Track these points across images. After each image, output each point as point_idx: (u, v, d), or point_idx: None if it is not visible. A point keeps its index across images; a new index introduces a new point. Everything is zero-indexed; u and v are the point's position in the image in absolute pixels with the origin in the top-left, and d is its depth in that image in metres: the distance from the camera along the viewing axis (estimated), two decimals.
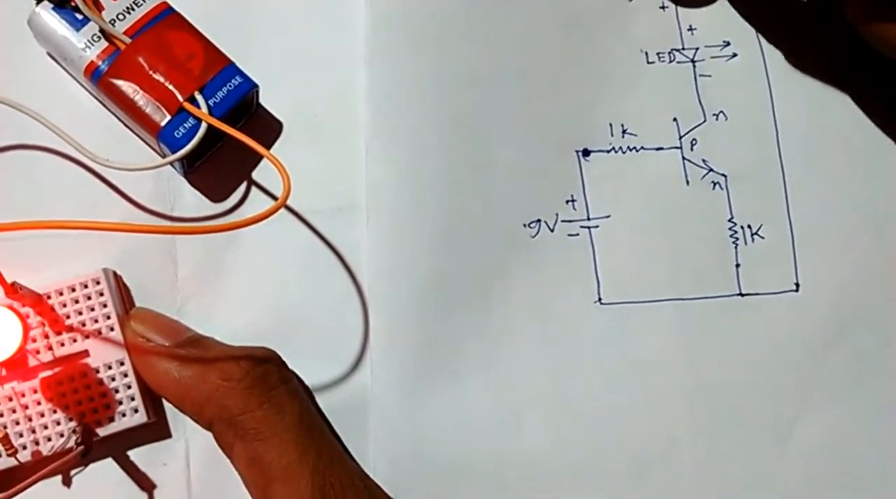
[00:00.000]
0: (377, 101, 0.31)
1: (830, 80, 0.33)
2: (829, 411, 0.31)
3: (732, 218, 0.32)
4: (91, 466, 0.28)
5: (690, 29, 0.33)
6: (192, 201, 0.30)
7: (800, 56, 0.32)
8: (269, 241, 0.30)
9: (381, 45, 0.31)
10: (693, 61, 0.33)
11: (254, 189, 0.31)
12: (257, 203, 0.30)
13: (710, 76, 0.32)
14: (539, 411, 0.30)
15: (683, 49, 0.33)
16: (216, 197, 0.30)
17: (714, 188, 0.32)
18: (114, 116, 0.30)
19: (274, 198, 0.30)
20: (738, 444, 0.30)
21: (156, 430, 0.28)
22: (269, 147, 0.31)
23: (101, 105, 0.30)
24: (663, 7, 0.33)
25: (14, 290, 0.25)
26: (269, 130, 0.31)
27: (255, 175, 0.31)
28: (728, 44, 0.33)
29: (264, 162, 0.30)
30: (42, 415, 0.27)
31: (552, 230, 0.31)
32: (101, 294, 0.27)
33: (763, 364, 0.31)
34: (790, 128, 0.32)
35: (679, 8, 0.33)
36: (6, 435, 0.26)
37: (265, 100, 0.31)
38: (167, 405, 0.29)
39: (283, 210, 0.30)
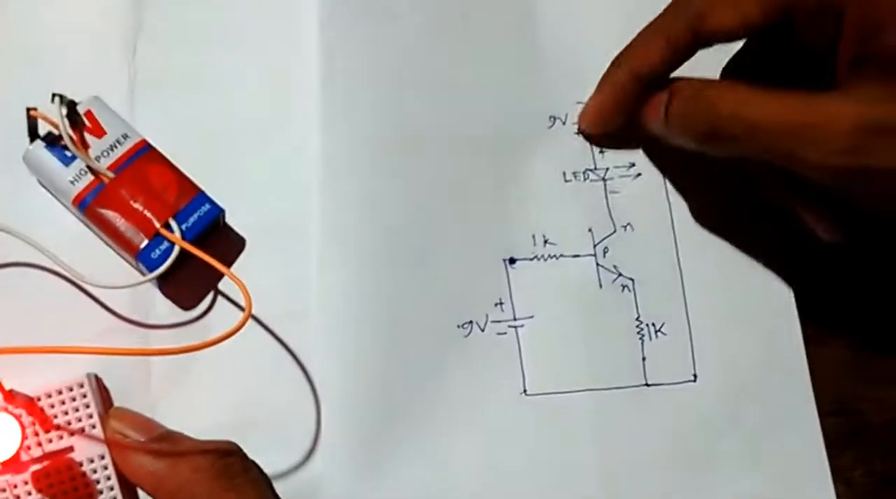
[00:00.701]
0: (328, 220, 0.35)
1: (723, 202, 0.38)
2: (726, 488, 0.35)
3: (639, 317, 0.36)
4: None
5: (601, 152, 0.38)
6: (164, 311, 0.34)
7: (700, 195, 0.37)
8: (231, 345, 0.33)
9: (332, 171, 0.36)
10: (604, 179, 0.37)
11: (220, 298, 0.35)
12: (224, 310, 0.35)
13: (618, 193, 0.37)
14: (473, 489, 0.34)
15: (595, 169, 0.38)
16: (186, 305, 0.34)
17: (623, 291, 0.36)
18: (97, 238, 0.34)
19: (238, 306, 0.35)
20: None
21: None
22: (232, 260, 0.35)
23: (85, 228, 0.34)
24: (578, 133, 0.38)
25: (11, 395, 0.29)
26: (233, 245, 0.35)
27: (221, 285, 0.35)
28: (633, 165, 0.38)
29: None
30: None
31: (483, 330, 0.35)
32: (85, 396, 0.31)
33: (667, 445, 0.35)
34: (687, 237, 0.37)
35: None
36: None
37: (230, 219, 0.35)
38: (142, 495, 0.32)
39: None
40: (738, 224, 0.37)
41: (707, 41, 0.32)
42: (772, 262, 0.37)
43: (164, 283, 0.34)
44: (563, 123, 0.37)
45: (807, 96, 0.29)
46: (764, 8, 0.30)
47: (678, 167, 0.37)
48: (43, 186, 0.34)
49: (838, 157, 0.28)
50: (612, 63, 0.34)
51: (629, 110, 0.34)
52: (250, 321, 0.34)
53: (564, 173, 0.37)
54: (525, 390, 0.35)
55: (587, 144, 0.38)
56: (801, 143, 0.28)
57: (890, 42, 0.27)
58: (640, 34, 0.33)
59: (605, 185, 0.37)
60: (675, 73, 0.33)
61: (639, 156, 0.38)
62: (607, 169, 0.37)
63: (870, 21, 0.28)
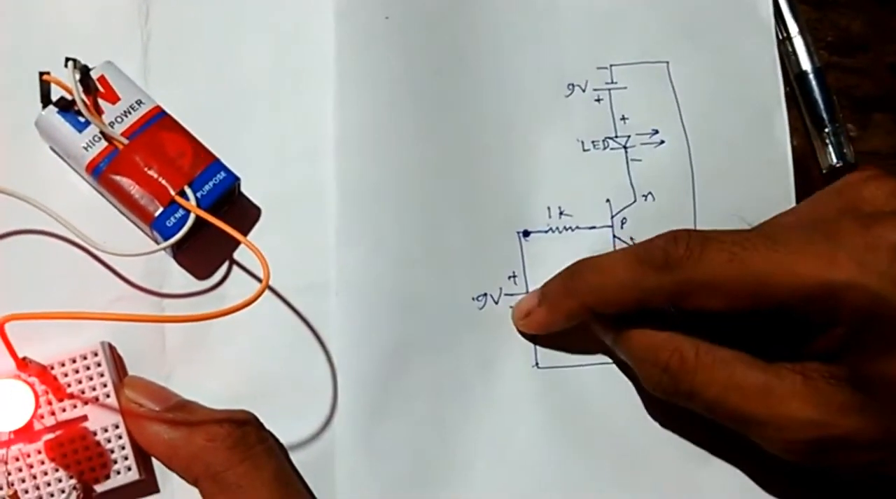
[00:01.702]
0: (344, 192, 0.35)
1: (744, 168, 0.37)
2: (730, 462, 0.34)
3: None
4: None
5: (623, 118, 0.37)
6: (179, 280, 0.34)
7: None
8: (247, 315, 0.33)
9: (348, 142, 0.35)
10: (625, 147, 0.37)
11: (235, 267, 0.34)
12: (239, 280, 0.34)
13: (640, 161, 0.37)
14: (485, 461, 0.34)
15: (616, 137, 0.37)
16: (201, 275, 0.34)
17: None
18: (110, 205, 0.34)
19: (253, 276, 0.34)
20: (661, 487, 0.34)
21: (146, 486, 0.32)
22: (248, 230, 0.35)
23: (98, 195, 0.34)
24: (598, 100, 0.37)
25: (25, 363, 0.29)
26: (248, 215, 0.35)
27: (237, 255, 0.34)
28: (657, 131, 0.37)
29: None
30: (46, 474, 0.30)
31: (497, 303, 0.35)
32: (99, 365, 0.31)
33: (675, 417, 0.35)
34: (708, 207, 0.37)
35: (612, 99, 0.38)
36: (16, 492, 0.29)
37: (245, 188, 0.35)
38: (156, 464, 0.32)
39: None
40: (765, 199, 0.37)
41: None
42: None
43: (179, 252, 0.34)
44: (583, 91, 0.37)
45: (767, 384, 0.28)
46: (755, 302, 0.28)
47: (703, 134, 0.37)
48: (55, 152, 0.34)
49: (789, 454, 0.29)
50: (571, 288, 0.32)
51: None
52: (266, 292, 0.34)
53: (583, 142, 0.37)
54: (537, 363, 0.35)
55: (607, 111, 0.37)
56: (753, 431, 0.29)
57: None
58: (611, 271, 0.31)
59: (625, 152, 0.37)
60: None
61: (662, 123, 0.37)
62: (629, 136, 0.37)
63: (872, 340, 0.26)
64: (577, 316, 0.33)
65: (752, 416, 0.29)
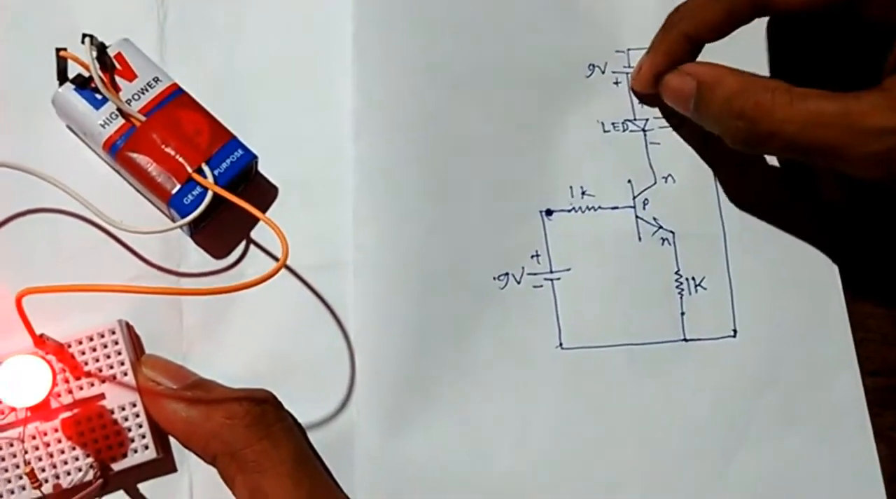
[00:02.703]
0: (363, 170, 0.34)
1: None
2: (764, 445, 0.34)
3: (679, 271, 0.35)
4: (105, 498, 0.31)
5: (641, 102, 0.37)
6: (196, 259, 0.34)
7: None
8: (265, 294, 0.33)
9: (367, 121, 0.35)
10: (644, 130, 0.37)
11: (252, 247, 0.34)
12: (256, 260, 0.34)
13: (659, 143, 0.36)
14: (506, 445, 0.33)
15: (635, 120, 0.37)
16: (219, 254, 0.34)
17: (663, 244, 0.36)
18: (126, 183, 0.34)
19: (270, 255, 0.34)
20: (683, 475, 0.33)
21: (163, 465, 0.32)
22: (265, 210, 0.34)
23: (114, 173, 0.34)
24: (617, 83, 0.37)
25: (42, 340, 0.29)
26: (265, 194, 0.35)
27: (254, 234, 0.34)
28: (674, 115, 0.37)
29: (262, 222, 0.34)
30: (62, 452, 0.30)
31: (519, 282, 0.35)
32: (116, 343, 0.31)
33: (704, 402, 0.34)
34: (731, 189, 0.36)
35: (629, 83, 0.37)
36: (32, 470, 0.29)
37: (262, 168, 0.34)
38: (173, 443, 0.32)
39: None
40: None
41: (767, 13, 0.32)
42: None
43: (196, 231, 0.34)
44: (603, 72, 0.36)
45: (846, 106, 0.29)
46: None
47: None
48: (71, 130, 0.34)
49: (873, 169, 0.30)
50: (666, 23, 0.34)
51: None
52: (283, 271, 0.34)
53: (603, 124, 0.36)
54: (561, 344, 0.34)
55: (627, 94, 0.37)
56: (835, 157, 0.30)
57: None
58: None
59: (644, 135, 0.36)
60: None
61: None
62: (647, 120, 0.36)
63: None
64: (676, 51, 0.33)
65: (834, 142, 0.29)
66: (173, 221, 0.32)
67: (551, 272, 0.35)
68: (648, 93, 0.35)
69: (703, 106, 0.32)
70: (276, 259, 0.33)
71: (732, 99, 0.31)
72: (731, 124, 0.31)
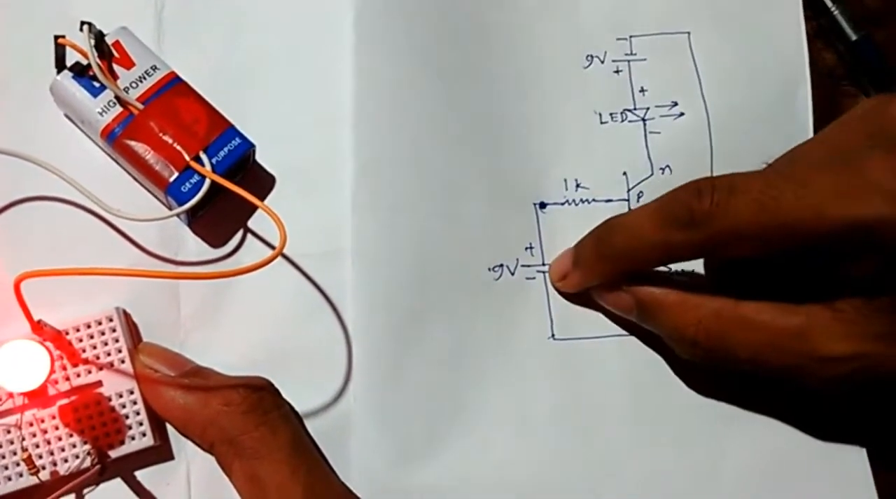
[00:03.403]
0: (361, 160, 0.34)
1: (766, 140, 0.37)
2: (758, 428, 0.34)
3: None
4: (102, 485, 0.31)
5: (642, 90, 0.37)
6: (194, 248, 0.34)
7: None
8: (263, 282, 0.33)
9: (365, 110, 0.35)
10: (644, 119, 0.37)
11: (249, 236, 0.34)
12: (253, 248, 0.34)
13: (658, 133, 0.36)
14: (500, 433, 0.33)
15: (635, 109, 0.37)
16: (216, 243, 0.34)
17: None
18: (123, 171, 0.34)
19: (268, 244, 0.34)
20: (679, 461, 0.33)
21: (160, 453, 0.32)
22: (262, 199, 0.34)
23: (111, 161, 0.34)
24: (617, 72, 0.37)
25: (39, 326, 0.29)
26: (263, 183, 0.35)
27: (251, 224, 0.34)
28: (676, 104, 0.37)
29: (259, 212, 0.34)
30: (60, 439, 0.30)
31: (513, 274, 0.35)
32: (114, 330, 0.31)
33: (697, 390, 0.34)
34: None
35: (632, 71, 0.37)
36: (30, 456, 0.29)
37: (260, 157, 0.34)
38: (170, 431, 0.32)
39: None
40: None
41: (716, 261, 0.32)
42: None
43: (194, 220, 0.34)
44: (602, 62, 0.36)
45: (799, 330, 0.28)
46: (785, 246, 0.27)
47: (724, 106, 0.36)
48: (69, 119, 0.34)
49: (835, 388, 0.30)
50: (603, 248, 0.32)
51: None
52: (281, 260, 0.34)
53: (600, 115, 0.36)
54: (553, 335, 0.34)
55: (626, 83, 0.37)
56: (795, 377, 0.29)
57: None
58: (639, 232, 0.30)
59: (644, 125, 0.36)
60: None
61: (682, 94, 0.37)
62: (647, 108, 0.36)
63: None
64: (610, 277, 0.32)
65: (790, 365, 0.29)
66: (170, 209, 0.32)
67: (544, 264, 0.35)
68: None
69: (650, 323, 0.32)
70: (274, 248, 0.33)
71: (682, 328, 0.30)
72: (686, 349, 0.31)
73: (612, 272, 0.32)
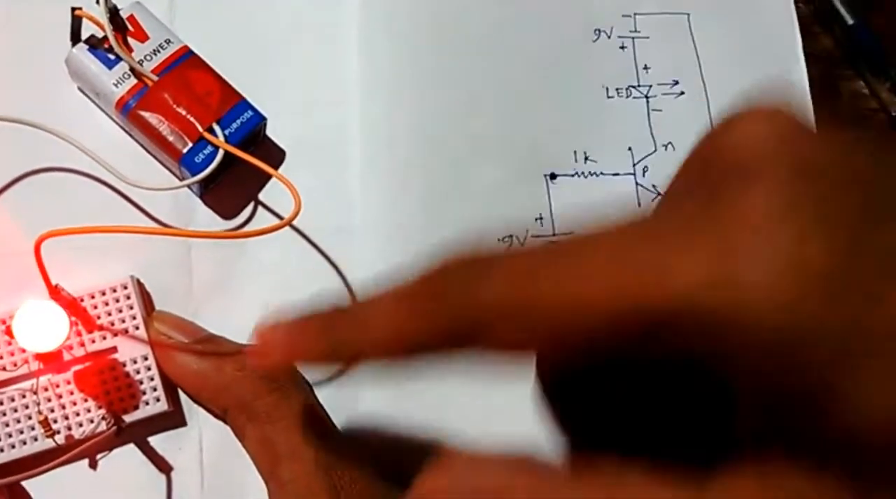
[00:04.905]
0: (370, 134, 0.35)
1: None
2: None
3: None
4: (115, 450, 0.31)
5: (646, 68, 0.38)
6: (205, 219, 0.34)
7: None
8: (273, 254, 0.34)
9: (372, 84, 0.35)
10: (647, 97, 0.37)
11: (260, 208, 0.34)
12: (263, 221, 0.34)
13: (661, 111, 0.37)
14: (506, 402, 0.33)
15: (639, 86, 0.37)
16: (227, 215, 0.34)
17: None
18: (136, 145, 0.34)
19: (278, 216, 0.34)
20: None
21: (173, 418, 0.32)
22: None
23: (124, 134, 0.34)
24: (623, 47, 0.38)
25: (57, 291, 0.29)
26: (273, 157, 0.35)
27: (262, 196, 0.35)
28: (677, 82, 0.38)
29: (269, 185, 0.34)
30: (75, 404, 0.30)
31: (522, 245, 0.35)
32: (129, 298, 0.31)
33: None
34: None
35: (636, 48, 0.38)
36: (46, 419, 0.29)
37: (270, 131, 0.35)
38: (182, 397, 0.32)
39: (286, 228, 0.34)
40: None
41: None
42: None
43: (206, 191, 0.34)
44: (609, 37, 0.37)
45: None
46: (557, 338, 0.16)
47: (722, 86, 0.37)
48: (82, 92, 0.34)
49: None
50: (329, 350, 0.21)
51: None
52: (292, 233, 0.34)
53: (607, 89, 0.37)
54: None
55: (631, 60, 0.38)
56: None
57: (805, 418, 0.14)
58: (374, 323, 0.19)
59: (647, 102, 0.37)
60: None
61: (683, 74, 0.38)
62: (650, 86, 0.37)
63: (771, 390, 0.15)
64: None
65: None
66: (183, 181, 0.33)
67: (554, 235, 0.35)
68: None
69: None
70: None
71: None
72: None
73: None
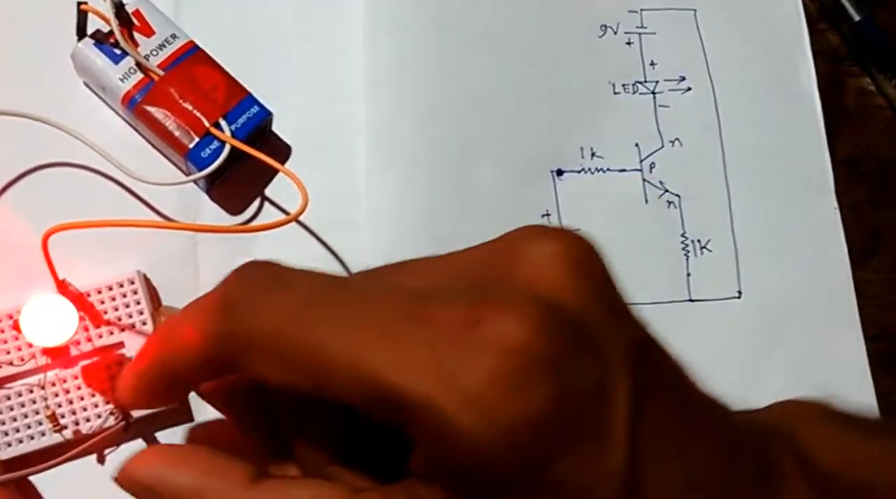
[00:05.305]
0: (375, 130, 0.35)
1: (774, 112, 0.38)
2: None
3: (685, 233, 0.36)
4: (122, 446, 0.31)
5: (652, 64, 0.38)
6: (211, 215, 0.34)
7: None
8: (280, 250, 0.33)
9: (377, 80, 0.35)
10: (653, 93, 0.37)
11: (266, 204, 0.34)
12: (270, 217, 0.34)
13: (667, 107, 0.37)
14: None
15: (645, 82, 0.37)
16: (234, 210, 0.34)
17: (669, 207, 0.36)
18: (142, 140, 0.34)
19: (284, 211, 0.34)
20: None
21: (180, 415, 0.32)
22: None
23: (129, 130, 0.34)
24: (629, 43, 0.38)
25: (64, 285, 0.29)
26: (279, 152, 0.35)
27: (268, 192, 0.34)
28: (684, 78, 0.38)
29: (276, 180, 0.34)
30: (82, 398, 0.30)
31: None
32: (136, 292, 0.31)
33: (710, 361, 0.34)
34: (736, 154, 0.37)
35: (643, 43, 0.38)
36: (54, 414, 0.29)
37: (275, 126, 0.35)
38: (190, 394, 0.32)
39: (293, 223, 0.34)
40: (792, 141, 0.37)
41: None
42: (819, 181, 0.37)
43: (212, 187, 0.34)
44: (615, 33, 0.37)
45: None
46: (314, 386, 0.18)
47: (729, 82, 0.37)
48: (88, 87, 0.34)
49: None
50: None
51: None
52: (298, 228, 0.34)
53: (613, 85, 0.37)
54: None
55: (637, 55, 0.37)
56: None
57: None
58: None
59: (654, 98, 0.37)
60: None
61: (689, 70, 0.38)
62: (657, 82, 0.37)
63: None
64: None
65: None
66: (189, 176, 0.33)
67: None
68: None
69: None
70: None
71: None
72: None
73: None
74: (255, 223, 0.34)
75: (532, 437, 0.16)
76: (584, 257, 0.19)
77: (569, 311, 0.17)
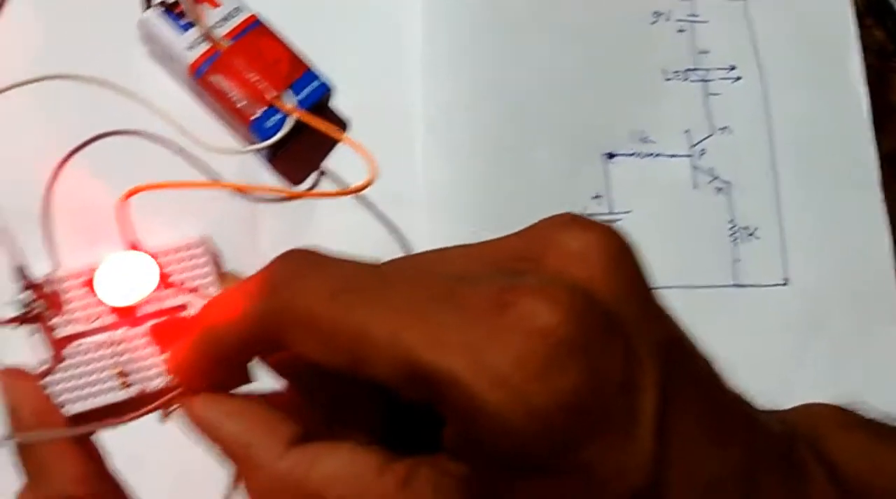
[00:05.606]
0: (432, 110, 0.35)
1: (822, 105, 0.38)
2: (810, 392, 0.35)
3: (733, 220, 0.37)
4: None
5: (703, 52, 0.38)
6: (272, 185, 0.35)
7: None
8: (339, 221, 0.34)
9: (435, 61, 0.36)
10: (704, 81, 0.38)
11: (325, 176, 0.35)
12: (329, 187, 0.35)
13: (718, 95, 0.38)
14: None
15: (696, 69, 0.38)
16: (294, 180, 0.35)
17: (718, 193, 0.37)
18: (201, 109, 0.35)
19: (343, 184, 0.35)
20: None
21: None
22: (336, 143, 0.35)
23: (192, 101, 0.35)
24: (681, 31, 0.38)
25: (135, 247, 0.30)
26: (336, 127, 0.35)
27: (327, 163, 0.35)
28: (734, 68, 0.38)
29: (334, 152, 0.35)
30: (148, 357, 0.31)
31: None
32: (202, 256, 0.32)
33: (754, 346, 0.35)
34: (785, 143, 0.37)
35: (695, 32, 0.38)
36: (122, 371, 0.30)
37: (333, 101, 0.35)
38: None
39: (350, 197, 0.34)
40: (842, 131, 0.37)
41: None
42: (865, 174, 0.37)
43: (273, 157, 0.35)
44: (668, 20, 0.38)
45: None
46: (351, 362, 0.19)
47: (778, 73, 0.38)
48: (152, 58, 0.35)
49: None
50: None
51: None
52: (357, 203, 0.35)
53: (665, 71, 0.37)
54: None
55: (689, 43, 0.38)
56: None
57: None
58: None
59: (704, 86, 0.37)
60: None
61: (740, 59, 0.38)
62: (708, 70, 0.38)
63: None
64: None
65: None
66: (251, 145, 0.33)
67: (612, 214, 0.36)
68: None
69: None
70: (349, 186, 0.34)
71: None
72: None
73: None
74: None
75: (559, 420, 0.16)
76: (618, 250, 0.19)
77: (600, 300, 0.18)
